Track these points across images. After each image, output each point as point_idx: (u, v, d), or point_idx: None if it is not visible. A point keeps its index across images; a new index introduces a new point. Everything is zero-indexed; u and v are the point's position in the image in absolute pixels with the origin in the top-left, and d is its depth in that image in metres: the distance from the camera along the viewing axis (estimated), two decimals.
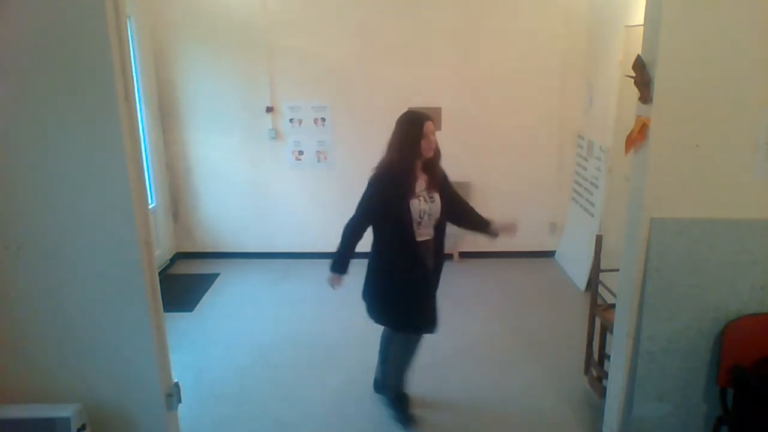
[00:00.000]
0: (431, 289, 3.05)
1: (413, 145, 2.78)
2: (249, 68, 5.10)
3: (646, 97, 2.29)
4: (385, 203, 2.83)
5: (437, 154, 2.90)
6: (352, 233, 2.89)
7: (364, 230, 2.93)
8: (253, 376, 3.54)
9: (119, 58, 2.10)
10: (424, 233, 2.91)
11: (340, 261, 2.92)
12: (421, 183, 2.89)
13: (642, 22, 2.37)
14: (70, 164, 2.16)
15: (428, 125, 2.81)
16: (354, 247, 2.92)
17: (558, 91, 5.18)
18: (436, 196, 2.91)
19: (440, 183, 2.95)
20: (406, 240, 2.86)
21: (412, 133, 2.78)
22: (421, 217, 2.85)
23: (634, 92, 2.36)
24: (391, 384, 3.22)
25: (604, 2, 4.68)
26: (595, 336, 3.31)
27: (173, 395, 2.49)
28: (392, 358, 3.18)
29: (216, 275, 5.14)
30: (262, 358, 3.76)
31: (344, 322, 4.21)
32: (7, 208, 2.20)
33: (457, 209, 3.06)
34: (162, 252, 5.17)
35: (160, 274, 3.61)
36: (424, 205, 2.86)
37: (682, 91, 2.25)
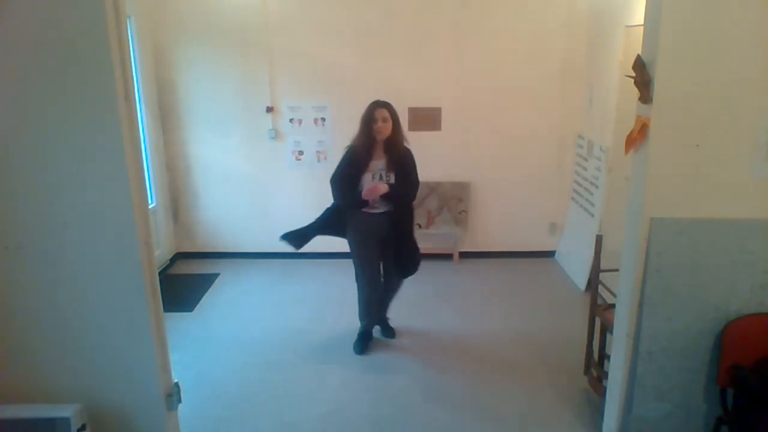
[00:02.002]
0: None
1: (366, 128, 3.39)
2: (249, 68, 5.10)
3: (646, 97, 2.29)
4: (346, 172, 3.46)
5: (396, 138, 3.42)
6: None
7: None
8: (253, 376, 3.54)
9: (119, 58, 2.10)
10: (376, 206, 3.45)
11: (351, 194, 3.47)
12: (379, 163, 3.44)
13: (642, 22, 2.37)
14: (70, 164, 2.16)
15: (379, 112, 3.37)
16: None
17: (558, 91, 5.18)
18: (393, 176, 3.44)
19: (397, 165, 3.44)
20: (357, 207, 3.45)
21: (366, 117, 3.41)
22: None
23: (634, 92, 2.35)
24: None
25: (604, 2, 4.68)
26: (595, 336, 3.31)
27: (173, 395, 2.50)
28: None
29: (216, 275, 5.14)
30: (263, 358, 3.76)
31: (344, 322, 4.21)
32: (7, 208, 2.20)
33: None
34: (162, 252, 5.17)
35: (160, 274, 3.61)
36: (378, 182, 3.38)
37: (682, 91, 2.25)
